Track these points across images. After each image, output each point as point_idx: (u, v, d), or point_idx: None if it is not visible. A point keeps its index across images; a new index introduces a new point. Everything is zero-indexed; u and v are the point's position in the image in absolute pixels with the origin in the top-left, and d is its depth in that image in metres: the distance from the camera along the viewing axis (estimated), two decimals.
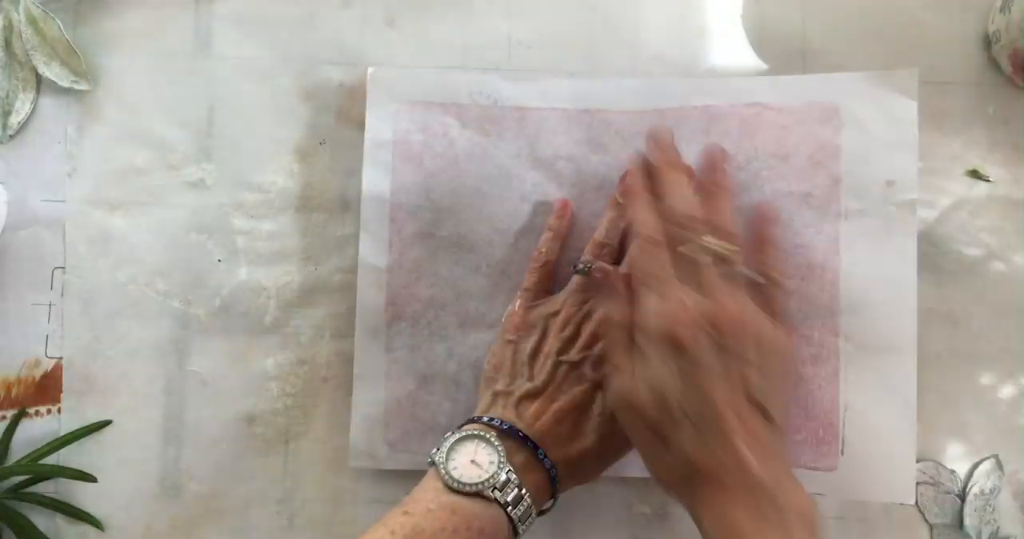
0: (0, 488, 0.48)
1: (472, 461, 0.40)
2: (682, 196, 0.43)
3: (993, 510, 0.49)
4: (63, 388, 0.49)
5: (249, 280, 0.50)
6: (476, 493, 0.39)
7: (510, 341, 0.46)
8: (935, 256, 0.50)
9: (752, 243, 0.44)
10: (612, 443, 0.44)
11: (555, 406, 0.43)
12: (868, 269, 0.47)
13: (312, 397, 0.49)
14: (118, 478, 0.49)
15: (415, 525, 0.39)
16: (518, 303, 0.47)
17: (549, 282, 0.48)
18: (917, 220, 0.48)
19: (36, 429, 0.49)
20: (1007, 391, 0.50)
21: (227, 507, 0.49)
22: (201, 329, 0.50)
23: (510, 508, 0.40)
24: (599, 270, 0.44)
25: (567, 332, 0.45)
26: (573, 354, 0.44)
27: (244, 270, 0.50)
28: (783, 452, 0.41)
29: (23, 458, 0.48)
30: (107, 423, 0.49)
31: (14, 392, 0.49)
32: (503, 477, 0.40)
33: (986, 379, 0.50)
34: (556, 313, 0.46)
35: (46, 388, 0.49)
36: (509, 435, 0.42)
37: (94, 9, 0.51)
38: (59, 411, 0.49)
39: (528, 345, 0.45)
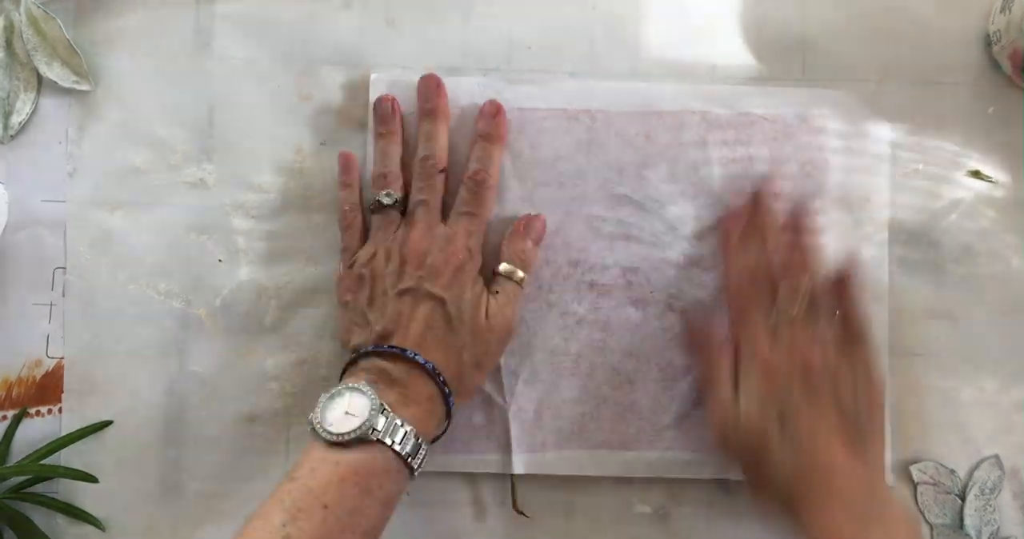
0: (1, 488, 0.48)
1: (346, 413, 0.40)
2: (778, 246, 0.47)
3: (993, 510, 0.49)
4: (64, 388, 0.49)
5: (249, 280, 0.50)
6: (356, 440, 0.39)
7: (346, 302, 0.46)
8: (935, 256, 0.50)
9: (837, 282, 0.47)
10: (484, 346, 0.45)
11: (411, 333, 0.43)
12: None
13: (312, 397, 0.49)
14: (118, 478, 0.49)
15: (302, 487, 0.39)
16: (340, 266, 0.48)
17: (364, 236, 0.48)
18: (886, 235, 0.50)
19: (37, 429, 0.49)
20: (1007, 391, 0.50)
21: (227, 507, 0.49)
22: (201, 329, 0.50)
23: (396, 445, 0.40)
24: (698, 322, 0.48)
25: (393, 263, 0.45)
26: (407, 280, 0.44)
27: (244, 270, 0.50)
28: (877, 466, 0.44)
29: (24, 458, 0.48)
30: (107, 423, 0.49)
31: (15, 392, 0.49)
32: (380, 419, 0.40)
33: (986, 379, 0.50)
34: (374, 254, 0.46)
35: (47, 388, 0.49)
36: (379, 370, 0.42)
37: (94, 9, 0.51)
38: (60, 411, 0.49)
39: (364, 296, 0.45)
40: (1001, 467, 0.49)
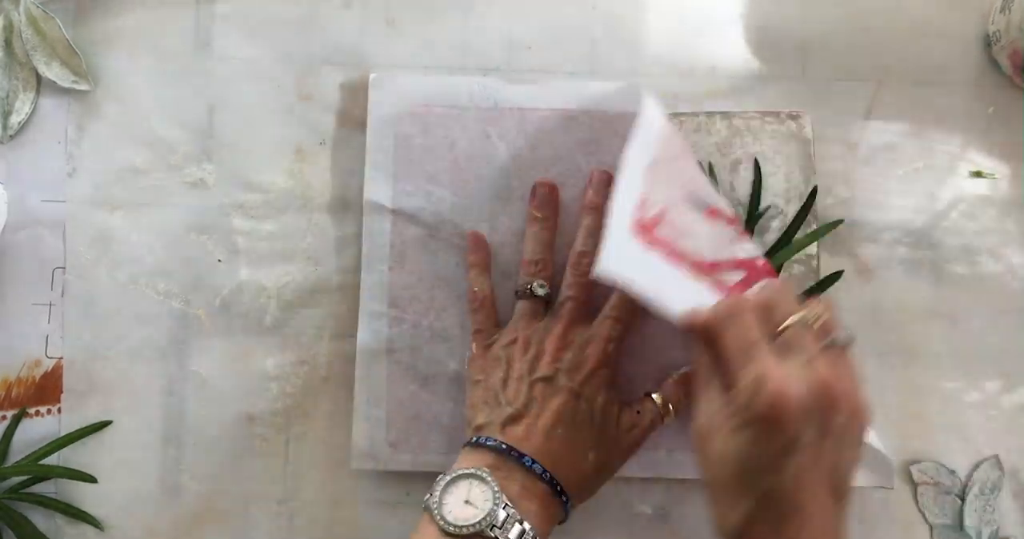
0: (0, 488, 0.48)
1: (466, 501, 0.39)
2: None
3: (993, 510, 0.49)
4: (63, 388, 0.49)
5: (249, 280, 0.50)
6: (474, 534, 0.38)
7: (478, 381, 0.45)
8: (935, 256, 0.50)
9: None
10: (608, 454, 0.44)
11: (540, 423, 0.42)
12: None
13: (312, 397, 0.49)
14: (118, 478, 0.49)
15: None
16: (474, 346, 0.47)
17: (496, 316, 0.47)
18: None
19: (36, 429, 0.49)
20: (1008, 392, 0.50)
21: (227, 507, 0.49)
22: (201, 329, 0.50)
23: None
24: (690, 317, 0.39)
25: (531, 352, 0.44)
26: (543, 369, 0.43)
27: (244, 270, 0.50)
28: (842, 533, 0.37)
29: (23, 458, 0.48)
30: (107, 423, 0.49)
31: (14, 392, 0.49)
32: (501, 514, 0.38)
33: (986, 379, 0.50)
34: (514, 340, 0.45)
35: (46, 388, 0.49)
36: (502, 461, 0.41)
37: (94, 9, 0.51)
38: (59, 411, 0.49)
39: (497, 377, 0.44)
40: (1001, 467, 0.49)
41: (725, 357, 0.37)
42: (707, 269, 0.44)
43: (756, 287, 0.44)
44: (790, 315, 0.37)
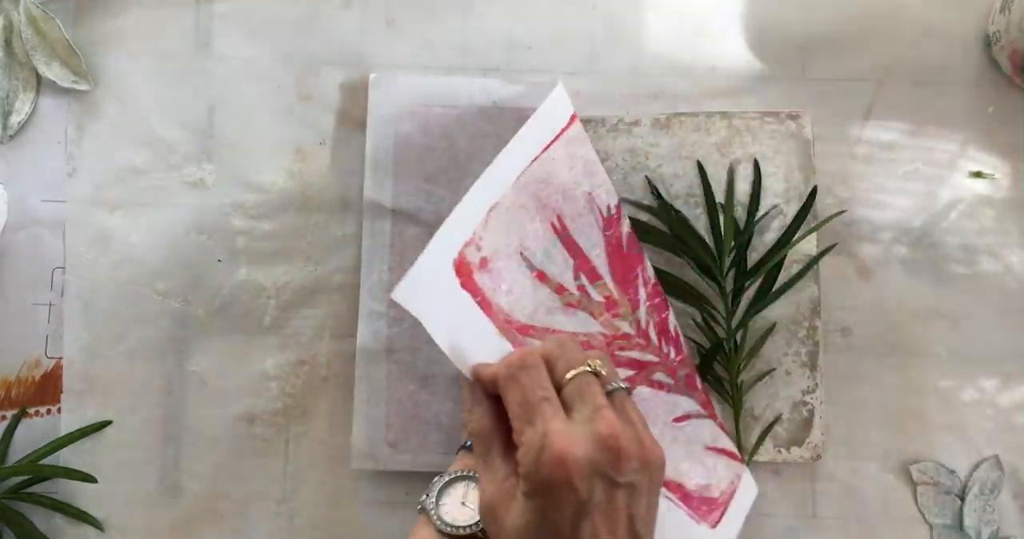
0: (0, 488, 0.48)
1: (463, 503, 0.39)
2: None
3: (993, 510, 0.49)
4: (63, 388, 0.49)
5: (249, 280, 0.50)
6: (470, 535, 0.38)
7: None
8: (935, 256, 0.50)
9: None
10: None
11: None
12: None
13: (312, 397, 0.49)
14: (118, 478, 0.49)
15: None
16: None
17: None
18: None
19: (36, 429, 0.49)
20: (1007, 391, 0.50)
21: (227, 507, 0.49)
22: (201, 329, 0.50)
23: None
24: (477, 370, 0.39)
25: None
26: None
27: (244, 270, 0.50)
28: None
29: (23, 458, 0.48)
30: (107, 423, 0.49)
31: (14, 392, 0.49)
32: None
33: (986, 379, 0.50)
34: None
35: (46, 388, 0.49)
36: None
37: (94, 9, 0.51)
38: (59, 411, 0.49)
39: None
40: (1001, 467, 0.49)
41: (511, 415, 0.36)
42: (517, 329, 0.42)
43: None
44: (573, 366, 0.36)
